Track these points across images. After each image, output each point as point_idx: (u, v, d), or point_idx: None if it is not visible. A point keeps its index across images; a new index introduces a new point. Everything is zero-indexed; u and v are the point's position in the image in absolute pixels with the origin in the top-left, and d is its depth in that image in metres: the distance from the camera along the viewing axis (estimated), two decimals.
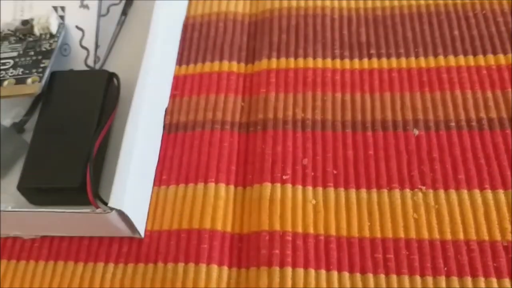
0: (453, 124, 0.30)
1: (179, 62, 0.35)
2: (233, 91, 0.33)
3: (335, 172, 0.29)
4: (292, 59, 0.34)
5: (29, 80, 0.31)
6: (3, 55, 0.32)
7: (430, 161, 0.29)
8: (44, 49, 0.32)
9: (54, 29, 0.33)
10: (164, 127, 0.32)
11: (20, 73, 0.31)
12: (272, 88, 0.33)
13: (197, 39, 0.36)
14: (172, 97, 0.33)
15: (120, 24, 0.37)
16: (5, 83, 0.31)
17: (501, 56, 0.33)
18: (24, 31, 0.33)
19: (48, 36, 0.33)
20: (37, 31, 0.33)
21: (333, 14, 0.36)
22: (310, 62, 0.34)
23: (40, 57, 0.32)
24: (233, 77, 0.34)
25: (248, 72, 0.34)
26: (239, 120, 0.32)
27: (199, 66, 0.35)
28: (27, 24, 0.33)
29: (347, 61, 0.34)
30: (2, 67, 0.32)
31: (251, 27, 0.37)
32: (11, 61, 0.32)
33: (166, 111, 0.33)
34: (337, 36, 0.35)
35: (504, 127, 0.30)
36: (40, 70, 0.31)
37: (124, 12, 0.38)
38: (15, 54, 0.32)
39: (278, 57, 0.34)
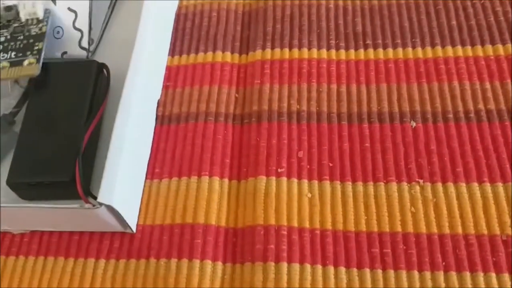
0: (451, 116, 0.30)
1: (172, 52, 0.34)
2: (227, 82, 0.33)
3: (330, 164, 0.29)
4: (286, 50, 0.34)
5: (25, 62, 0.30)
6: None
7: (427, 154, 0.29)
8: (34, 33, 0.32)
9: (40, 14, 0.33)
10: (156, 119, 0.31)
11: (13, 56, 0.31)
12: (266, 79, 0.32)
13: (190, 29, 0.36)
14: (165, 88, 0.33)
15: (111, 7, 0.36)
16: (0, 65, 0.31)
17: (499, 47, 0.32)
18: (9, 17, 0.33)
19: (35, 21, 0.32)
20: (23, 16, 0.32)
21: (328, 3, 0.35)
22: (305, 53, 0.33)
23: (31, 41, 0.31)
24: (227, 68, 0.33)
25: (242, 63, 0.34)
26: (233, 112, 0.31)
27: (192, 57, 0.34)
28: (11, 10, 0.33)
29: (342, 51, 0.33)
30: None
31: (245, 16, 0.36)
32: (0, 46, 0.31)
33: (158, 102, 0.32)
34: (333, 26, 0.34)
35: (503, 119, 0.29)
36: (35, 52, 0.31)
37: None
38: (2, 39, 0.32)
39: (273, 48, 0.34)
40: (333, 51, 0.33)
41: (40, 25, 0.32)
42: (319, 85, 0.32)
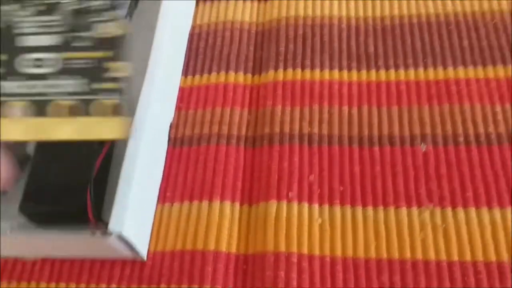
0: (461, 139, 0.30)
1: (185, 72, 0.35)
2: (239, 103, 0.33)
3: (341, 188, 0.29)
4: (299, 70, 0.34)
5: (93, 108, 0.18)
6: (28, 41, 0.18)
7: (437, 178, 0.29)
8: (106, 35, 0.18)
9: None
10: (169, 141, 0.32)
11: (79, 90, 0.18)
12: (278, 101, 0.33)
13: (203, 48, 0.36)
14: (178, 110, 0.33)
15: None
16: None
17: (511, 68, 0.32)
18: None
19: (103, 4, 0.19)
20: None
21: (340, 23, 0.36)
22: (317, 74, 0.34)
23: (102, 54, 0.18)
24: (239, 89, 0.34)
25: (255, 84, 0.34)
26: (245, 134, 0.32)
27: (205, 77, 0.34)
28: None
29: (354, 72, 0.33)
30: (36, 71, 0.18)
31: (258, 36, 0.37)
32: (52, 57, 0.18)
33: (171, 124, 0.32)
34: (345, 46, 0.35)
35: None
36: (112, 84, 0.18)
37: (129, 14, 0.37)
38: (54, 40, 0.18)
39: (285, 68, 0.34)
40: (345, 72, 0.34)
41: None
42: (330, 106, 0.32)
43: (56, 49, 0.18)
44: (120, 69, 0.18)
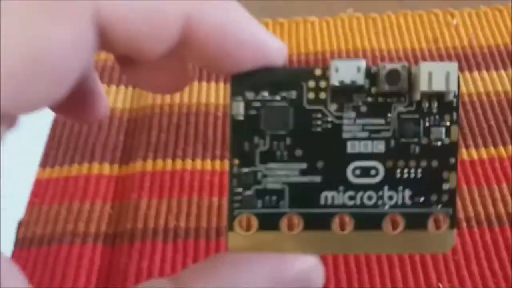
0: None
1: (44, 163, 0.32)
2: (101, 197, 0.30)
3: None
4: (169, 161, 0.32)
5: (430, 224, 0.16)
6: (353, 148, 0.16)
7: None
8: (437, 142, 0.16)
9: (453, 86, 0.16)
10: (15, 243, 0.28)
11: (407, 202, 0.16)
12: (144, 194, 0.30)
13: (67, 137, 0.33)
14: (31, 205, 0.30)
15: None
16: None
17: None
18: (392, 89, 0.16)
19: (435, 105, 0.16)
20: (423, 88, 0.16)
21: (217, 111, 0.34)
22: (189, 164, 0.31)
23: (436, 163, 0.16)
24: (103, 181, 0.31)
25: (122, 175, 0.31)
26: (105, 231, 0.29)
27: (66, 169, 0.31)
28: (400, 75, 0.16)
29: (227, 162, 0.31)
30: (361, 181, 0.16)
31: (130, 124, 0.34)
32: (379, 166, 0.16)
33: (20, 223, 0.29)
34: (219, 135, 0.33)
35: None
36: (445, 196, 0.16)
37: None
38: (380, 146, 0.16)
39: (155, 158, 0.32)
40: (218, 161, 0.32)
41: (444, 116, 0.16)
42: (200, 198, 0.30)
43: None
44: None
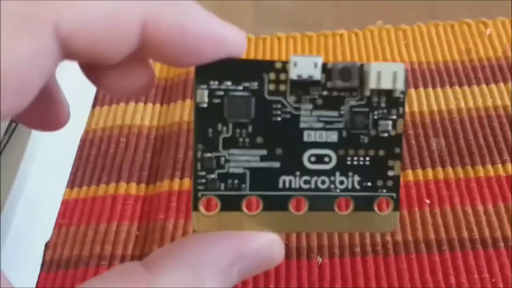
0: (358, 249, 0.28)
1: (71, 184, 0.32)
2: (127, 218, 0.30)
3: None
4: None
5: (375, 205, 0.18)
6: (309, 137, 0.17)
7: None
8: (384, 134, 0.18)
9: (399, 84, 0.17)
10: (42, 265, 0.28)
11: (356, 185, 0.18)
12: (171, 214, 0.30)
13: (94, 156, 0.33)
14: (58, 227, 0.30)
15: (9, 133, 0.34)
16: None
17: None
18: (344, 86, 0.17)
19: (384, 100, 0.18)
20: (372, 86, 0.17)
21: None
22: None
23: (383, 152, 0.18)
24: (130, 201, 0.31)
25: (149, 194, 0.31)
26: (131, 253, 0.29)
27: (93, 189, 0.31)
28: (351, 73, 0.17)
29: None
30: (315, 167, 0.18)
31: (157, 141, 0.34)
32: (332, 154, 0.18)
33: (47, 245, 0.29)
34: None
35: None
36: (390, 182, 0.18)
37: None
38: (334, 136, 0.18)
39: (182, 177, 0.32)
40: None
41: (392, 111, 0.18)
42: None
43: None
44: None
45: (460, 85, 0.36)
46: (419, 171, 0.31)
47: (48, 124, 0.18)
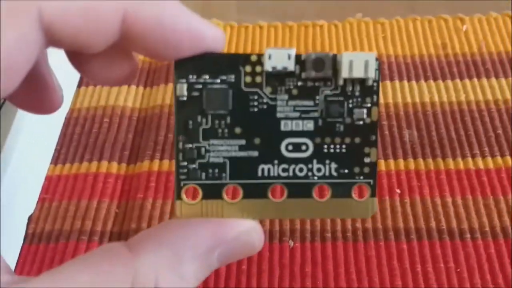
0: (328, 235, 0.29)
1: (55, 160, 0.33)
2: (108, 196, 0.31)
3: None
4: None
5: (353, 191, 0.19)
6: (286, 126, 0.18)
7: (302, 277, 0.27)
8: (359, 121, 0.18)
9: (371, 73, 0.18)
10: (25, 237, 0.29)
11: (334, 174, 0.18)
12: (150, 194, 0.31)
13: (78, 135, 0.34)
14: (41, 202, 0.31)
15: None
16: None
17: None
18: (318, 76, 0.18)
19: (358, 89, 0.18)
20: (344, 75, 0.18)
21: None
22: None
23: (359, 140, 0.18)
24: (110, 180, 0.32)
25: (129, 173, 0.32)
26: (110, 229, 0.30)
27: (76, 166, 0.33)
28: (324, 63, 0.18)
29: None
30: (293, 155, 0.18)
31: (139, 123, 0.35)
32: (309, 142, 0.18)
33: (30, 218, 0.30)
34: None
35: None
36: (367, 169, 0.19)
37: None
38: (310, 125, 0.18)
39: (162, 159, 0.33)
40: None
41: (366, 99, 0.18)
42: None
43: None
44: None
45: (435, 79, 0.37)
46: (391, 161, 0.32)
47: (41, 108, 0.19)
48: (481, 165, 0.32)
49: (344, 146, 0.18)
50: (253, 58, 0.18)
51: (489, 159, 0.32)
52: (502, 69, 0.37)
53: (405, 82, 0.37)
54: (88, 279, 0.15)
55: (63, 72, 0.19)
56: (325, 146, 0.18)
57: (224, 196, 0.18)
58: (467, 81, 0.37)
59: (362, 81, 0.18)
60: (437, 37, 0.39)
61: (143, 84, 0.37)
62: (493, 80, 0.37)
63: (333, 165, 0.18)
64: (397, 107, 0.35)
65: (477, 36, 0.39)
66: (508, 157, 0.32)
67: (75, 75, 0.36)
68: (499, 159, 0.32)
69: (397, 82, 0.37)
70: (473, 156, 0.32)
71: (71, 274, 0.16)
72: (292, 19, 0.39)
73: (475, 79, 0.37)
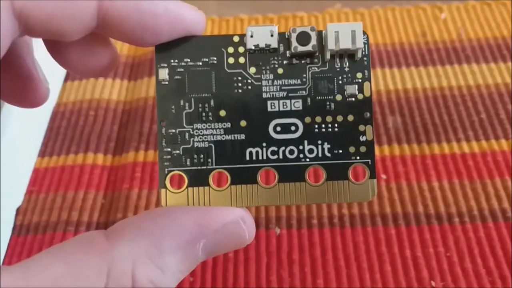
0: (315, 221, 0.29)
1: (42, 153, 0.34)
2: (94, 187, 0.32)
3: (191, 279, 0.28)
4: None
5: (350, 174, 0.18)
6: (273, 107, 0.18)
7: (289, 264, 0.28)
8: (351, 98, 0.18)
9: (359, 43, 0.17)
10: (13, 229, 0.30)
11: (328, 155, 0.18)
12: (136, 184, 0.32)
13: (64, 128, 0.35)
14: (29, 194, 0.32)
15: None
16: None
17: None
18: (304, 50, 0.17)
19: (347, 64, 0.17)
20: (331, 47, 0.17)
21: None
22: None
23: (352, 117, 0.18)
24: (96, 171, 0.32)
25: (115, 165, 0.33)
26: (97, 220, 0.30)
27: (62, 158, 0.33)
28: (310, 36, 0.17)
29: None
30: (282, 137, 0.17)
31: (124, 115, 0.36)
32: (298, 123, 0.18)
33: (18, 210, 0.31)
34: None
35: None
36: (363, 148, 0.18)
37: None
38: (298, 104, 0.18)
39: (147, 149, 0.33)
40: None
41: (357, 73, 0.17)
42: None
43: None
44: None
45: (416, 65, 0.37)
46: (376, 148, 0.32)
47: (26, 101, 0.19)
48: (466, 149, 0.32)
49: (336, 125, 0.17)
50: (235, 38, 0.17)
51: (474, 143, 0.32)
52: (482, 55, 0.38)
53: (387, 70, 0.37)
54: (61, 268, 0.15)
55: (50, 67, 0.19)
56: (316, 126, 0.17)
57: (211, 182, 0.17)
58: (448, 67, 0.37)
59: (351, 56, 0.17)
60: (416, 25, 0.40)
61: (127, 78, 0.38)
62: (474, 65, 0.37)
63: (326, 146, 0.17)
64: (379, 94, 0.36)
65: (456, 23, 0.40)
66: (493, 141, 0.32)
67: (62, 70, 0.37)
68: (483, 143, 0.32)
69: (378, 70, 0.37)
70: (458, 141, 0.32)
71: (44, 264, 0.15)
72: (272, 11, 0.39)
73: (456, 65, 0.37)
